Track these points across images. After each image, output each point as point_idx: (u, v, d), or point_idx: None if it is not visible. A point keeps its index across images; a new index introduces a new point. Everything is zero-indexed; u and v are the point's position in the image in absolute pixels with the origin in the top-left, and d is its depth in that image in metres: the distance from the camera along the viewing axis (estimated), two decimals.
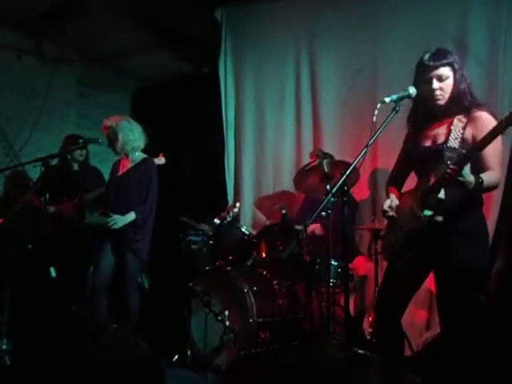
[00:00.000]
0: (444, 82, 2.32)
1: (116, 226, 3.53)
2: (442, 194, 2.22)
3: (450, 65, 2.32)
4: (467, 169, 2.12)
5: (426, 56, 2.34)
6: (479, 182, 2.15)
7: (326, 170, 3.45)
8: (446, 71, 2.32)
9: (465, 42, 3.70)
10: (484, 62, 3.63)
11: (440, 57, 2.33)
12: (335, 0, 4.31)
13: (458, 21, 3.76)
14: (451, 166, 2.10)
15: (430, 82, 2.32)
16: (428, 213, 2.26)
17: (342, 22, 4.26)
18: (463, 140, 2.26)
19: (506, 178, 3.44)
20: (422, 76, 2.34)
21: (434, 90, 2.32)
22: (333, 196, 2.19)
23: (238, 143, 4.79)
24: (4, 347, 3.39)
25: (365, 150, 2.19)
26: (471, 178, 2.13)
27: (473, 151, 2.15)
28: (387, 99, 2.27)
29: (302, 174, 3.74)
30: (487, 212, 3.36)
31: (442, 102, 2.35)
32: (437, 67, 2.31)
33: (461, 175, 2.10)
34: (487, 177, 2.21)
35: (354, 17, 4.19)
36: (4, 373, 3.18)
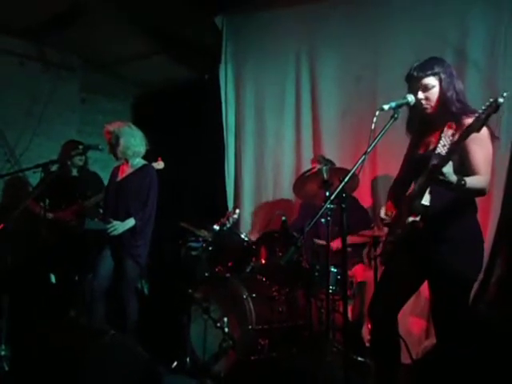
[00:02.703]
0: (429, 92, 2.37)
1: (116, 232, 3.53)
2: (426, 200, 2.22)
3: (435, 74, 2.36)
4: (449, 167, 2.12)
5: (413, 66, 2.41)
6: (461, 184, 2.15)
7: (325, 176, 3.46)
8: (431, 80, 2.36)
9: (465, 50, 3.71)
10: (483, 70, 3.64)
11: (425, 67, 2.38)
12: (335, 8, 4.31)
13: (458, 29, 3.77)
14: (433, 162, 2.12)
15: (416, 93, 2.37)
16: (411, 219, 2.26)
17: (342, 29, 4.27)
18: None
19: (506, 185, 3.45)
20: (411, 86, 2.41)
21: (419, 100, 2.37)
22: (331, 202, 2.20)
23: (239, 149, 4.80)
24: (3, 353, 3.40)
25: (363, 156, 2.21)
26: (453, 178, 2.13)
27: (451, 149, 2.15)
28: (386, 106, 2.29)
29: (301, 181, 3.75)
30: (487, 219, 3.39)
31: (428, 111, 2.40)
32: (421, 77, 2.36)
33: (441, 173, 2.10)
34: (471, 180, 2.21)
35: (354, 25, 4.20)
36: (3, 379, 3.17)
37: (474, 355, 2.14)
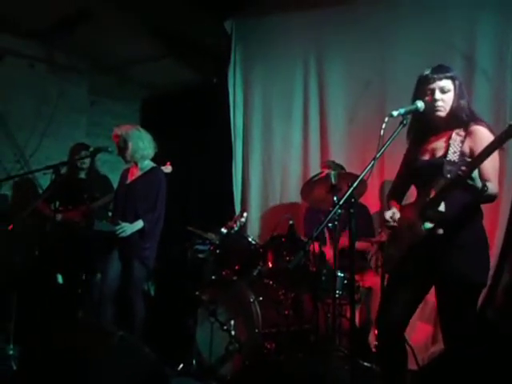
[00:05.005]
0: (446, 94, 2.37)
1: (124, 234, 3.55)
2: (442, 207, 2.23)
3: (452, 78, 2.38)
4: (476, 173, 2.12)
5: (428, 70, 2.41)
6: (484, 189, 2.15)
7: (333, 181, 3.47)
8: (448, 83, 2.37)
9: (473, 57, 3.71)
10: (492, 77, 3.64)
11: (442, 70, 2.39)
12: (344, 14, 4.33)
13: (467, 36, 3.78)
14: (462, 168, 2.10)
15: (433, 93, 2.37)
16: (428, 226, 2.27)
17: (350, 35, 4.28)
18: (462, 154, 2.28)
19: None
20: (424, 88, 2.39)
21: (436, 101, 2.36)
22: (340, 208, 2.21)
23: (246, 153, 4.81)
24: (11, 352, 3.42)
25: (372, 162, 2.21)
26: (479, 183, 2.13)
27: (476, 161, 2.13)
28: (395, 113, 2.29)
29: (309, 185, 3.75)
30: (494, 226, 3.39)
31: (442, 114, 2.39)
32: (440, 79, 2.36)
33: (471, 178, 2.10)
34: (490, 186, 2.21)
35: (362, 30, 4.21)
36: (11, 378, 3.19)
37: (482, 357, 2.13)
